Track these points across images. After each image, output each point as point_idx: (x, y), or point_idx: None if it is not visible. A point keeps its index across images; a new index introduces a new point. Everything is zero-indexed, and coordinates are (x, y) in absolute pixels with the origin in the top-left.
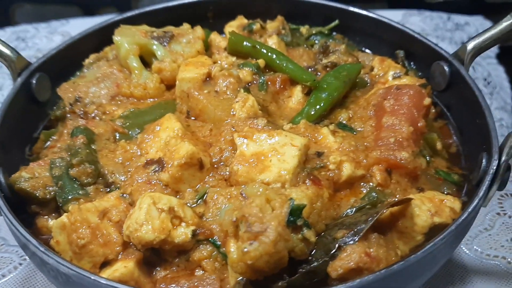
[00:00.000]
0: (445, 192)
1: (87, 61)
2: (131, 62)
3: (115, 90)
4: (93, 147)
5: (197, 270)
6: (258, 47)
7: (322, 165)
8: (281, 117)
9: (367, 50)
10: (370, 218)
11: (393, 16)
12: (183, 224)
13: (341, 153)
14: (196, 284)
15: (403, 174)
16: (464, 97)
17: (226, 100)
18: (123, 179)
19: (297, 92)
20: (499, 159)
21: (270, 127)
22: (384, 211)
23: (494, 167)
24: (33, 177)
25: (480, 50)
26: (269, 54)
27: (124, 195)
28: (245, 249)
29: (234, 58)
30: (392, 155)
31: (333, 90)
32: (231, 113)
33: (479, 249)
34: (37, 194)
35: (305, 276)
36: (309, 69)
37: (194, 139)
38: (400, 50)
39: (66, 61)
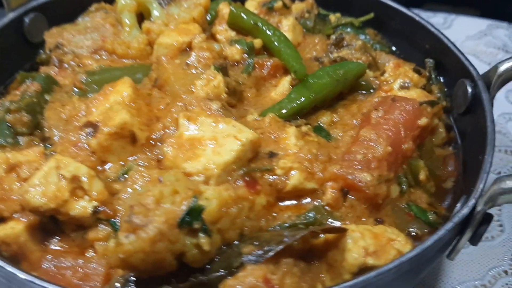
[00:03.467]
0: (413, 232)
1: (89, 9)
2: (124, 17)
3: (99, 44)
4: (46, 97)
5: (89, 251)
6: (260, 25)
7: (268, 168)
8: (255, 105)
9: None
10: (286, 239)
11: (476, 25)
12: (86, 197)
13: (295, 159)
14: (80, 264)
15: (361, 198)
16: (477, 126)
17: (192, 75)
18: (57, 137)
19: (284, 82)
20: (474, 206)
21: (222, 113)
22: (319, 236)
23: (464, 215)
24: None
25: None
26: (270, 34)
27: (54, 153)
28: (120, 241)
29: (234, 33)
30: (351, 174)
31: (320, 88)
32: (191, 90)
33: None
34: None
35: (196, 286)
36: (318, 61)
37: (145, 110)
38: (430, 59)
39: (73, 7)
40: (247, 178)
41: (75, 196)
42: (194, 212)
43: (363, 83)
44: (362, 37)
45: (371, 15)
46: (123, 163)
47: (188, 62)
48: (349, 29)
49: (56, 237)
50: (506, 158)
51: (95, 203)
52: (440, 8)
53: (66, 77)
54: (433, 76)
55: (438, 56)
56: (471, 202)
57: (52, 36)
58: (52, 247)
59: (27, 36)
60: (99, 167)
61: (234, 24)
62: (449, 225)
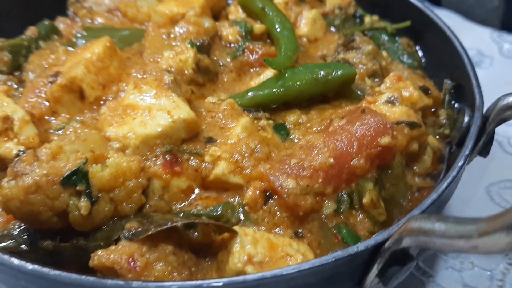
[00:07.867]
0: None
1: None
2: None
3: (116, 4)
4: (40, 43)
5: None
6: (267, 10)
7: (198, 152)
8: (228, 89)
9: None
10: (168, 224)
11: None
12: (14, 140)
13: (227, 149)
14: None
15: (281, 206)
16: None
17: (167, 45)
18: (29, 79)
19: (268, 73)
20: (383, 241)
21: (171, 87)
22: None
23: (365, 247)
24: None
25: None
26: (274, 21)
27: (20, 95)
28: (1, 183)
29: (244, 15)
30: (275, 177)
31: (293, 84)
32: (157, 60)
33: None
34: None
35: (75, 249)
36: (323, 59)
37: (113, 72)
38: (450, 81)
39: None
40: (167, 157)
41: (5, 137)
42: (80, 174)
43: (357, 91)
44: (393, 45)
45: (408, 23)
46: (70, 117)
47: (171, 33)
48: (383, 34)
49: None
50: None
51: (21, 147)
52: None
53: (72, 29)
54: (446, 99)
55: (459, 80)
56: (380, 236)
57: None
58: None
59: None
60: (47, 117)
61: (244, 4)
62: (339, 254)
